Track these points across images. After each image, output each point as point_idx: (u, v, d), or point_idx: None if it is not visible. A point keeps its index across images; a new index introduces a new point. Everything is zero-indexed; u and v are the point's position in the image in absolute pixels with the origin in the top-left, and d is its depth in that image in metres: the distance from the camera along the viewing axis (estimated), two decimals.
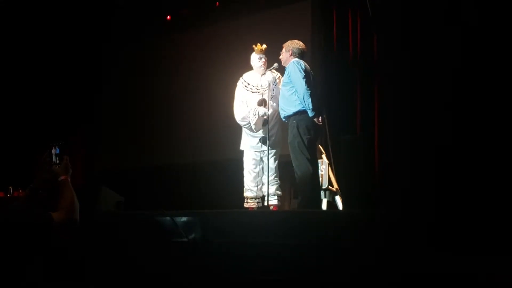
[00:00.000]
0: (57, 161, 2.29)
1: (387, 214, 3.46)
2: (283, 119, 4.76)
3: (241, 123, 5.04)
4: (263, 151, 4.91)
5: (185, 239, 3.87)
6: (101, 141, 7.58)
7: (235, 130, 5.32)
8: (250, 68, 5.26)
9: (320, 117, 4.58)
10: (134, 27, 7.53)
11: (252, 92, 5.05)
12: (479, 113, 3.57)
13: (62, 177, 2.20)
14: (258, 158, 4.98)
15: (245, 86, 5.09)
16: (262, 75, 5.08)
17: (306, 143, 4.46)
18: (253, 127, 4.96)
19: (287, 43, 4.82)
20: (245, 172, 5.07)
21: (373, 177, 4.53)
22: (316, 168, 4.54)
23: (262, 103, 4.96)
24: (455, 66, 3.74)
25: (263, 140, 4.89)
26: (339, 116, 5.76)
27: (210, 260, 3.68)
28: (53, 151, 2.31)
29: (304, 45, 4.82)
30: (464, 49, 3.72)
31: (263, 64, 5.05)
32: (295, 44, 4.78)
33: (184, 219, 3.92)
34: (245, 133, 5.09)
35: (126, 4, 7.25)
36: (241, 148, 5.11)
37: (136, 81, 7.58)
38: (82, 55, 7.68)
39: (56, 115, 7.49)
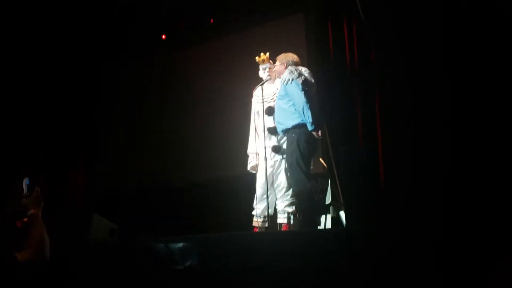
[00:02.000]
0: (28, 193, 2.10)
1: (391, 231, 3.30)
2: (280, 133, 4.61)
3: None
4: (276, 161, 4.75)
5: (181, 267, 3.70)
6: (97, 166, 7.42)
7: (236, 147, 5.17)
8: (248, 82, 5.21)
9: (320, 131, 4.42)
10: (130, 46, 7.43)
11: (261, 102, 4.93)
12: (482, 125, 3.43)
13: (32, 211, 2.02)
14: (269, 172, 4.77)
15: (255, 98, 5.04)
16: (270, 84, 4.97)
17: (304, 158, 4.31)
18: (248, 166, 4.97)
19: (280, 56, 4.74)
20: (256, 186, 4.89)
21: (377, 191, 4.37)
22: (312, 185, 4.38)
23: (269, 111, 4.82)
24: (456, 75, 3.61)
25: (275, 149, 4.73)
26: (339, 129, 5.59)
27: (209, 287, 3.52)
28: (24, 181, 2.13)
29: (298, 57, 4.73)
30: (465, 60, 3.60)
31: (269, 74, 4.94)
32: (290, 56, 4.69)
33: (179, 245, 3.76)
34: (259, 144, 4.95)
35: (121, 23, 7.14)
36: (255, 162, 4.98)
37: (133, 103, 7.45)
38: (78, 80, 7.55)
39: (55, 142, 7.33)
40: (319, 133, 4.44)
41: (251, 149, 5.01)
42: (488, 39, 3.55)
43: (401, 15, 3.85)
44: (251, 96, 5.13)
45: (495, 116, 3.45)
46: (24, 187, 2.14)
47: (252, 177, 4.94)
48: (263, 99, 4.88)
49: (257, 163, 4.93)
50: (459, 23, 3.65)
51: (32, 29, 6.55)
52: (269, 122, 4.79)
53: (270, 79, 4.93)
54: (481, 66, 3.53)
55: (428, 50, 3.78)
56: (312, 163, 4.64)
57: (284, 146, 4.71)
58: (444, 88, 3.66)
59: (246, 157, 5.09)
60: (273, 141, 4.81)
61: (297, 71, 4.50)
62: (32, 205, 2.05)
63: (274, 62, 4.81)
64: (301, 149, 4.34)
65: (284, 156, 4.66)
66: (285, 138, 4.68)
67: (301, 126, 4.40)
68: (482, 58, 3.52)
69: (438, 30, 3.71)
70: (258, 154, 4.94)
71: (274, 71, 4.78)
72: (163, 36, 7.52)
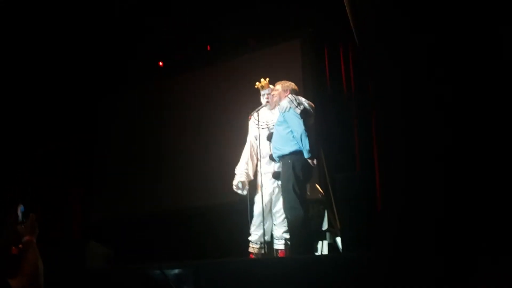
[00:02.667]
0: (23, 220, 2.10)
1: (388, 257, 3.28)
2: (276, 159, 4.60)
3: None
4: (275, 187, 4.73)
5: None
6: (93, 193, 7.41)
7: (231, 174, 5.15)
8: (244, 108, 5.20)
9: (315, 159, 4.42)
10: (127, 73, 7.50)
11: (262, 128, 4.91)
12: (479, 150, 3.45)
13: (26, 238, 2.01)
14: (268, 199, 4.75)
15: (256, 123, 4.96)
16: (270, 110, 4.94)
17: (299, 185, 4.30)
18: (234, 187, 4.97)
19: (283, 83, 4.74)
20: (253, 213, 4.85)
21: (374, 217, 4.37)
22: (307, 211, 4.36)
23: (270, 137, 4.78)
24: (452, 102, 3.64)
25: (276, 176, 4.70)
26: (336, 155, 5.61)
27: None
28: (19, 208, 2.12)
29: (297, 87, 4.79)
30: (460, 87, 3.64)
31: (267, 100, 4.91)
32: (293, 85, 4.73)
33: (175, 271, 3.73)
34: (258, 170, 4.91)
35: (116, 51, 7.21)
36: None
37: (129, 128, 7.48)
38: (74, 106, 7.59)
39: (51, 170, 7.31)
40: (314, 161, 4.44)
41: (240, 168, 5.00)
42: (486, 65, 3.58)
43: (397, 43, 3.90)
44: (248, 119, 5.10)
45: (491, 139, 3.46)
46: (19, 214, 2.13)
47: (245, 204, 4.91)
48: (258, 124, 4.88)
49: (244, 180, 4.91)
50: (455, 52, 3.70)
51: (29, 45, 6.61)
52: (270, 148, 4.79)
53: (268, 104, 4.92)
54: (478, 89, 3.55)
55: (423, 77, 3.81)
56: (308, 189, 4.64)
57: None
58: (440, 115, 3.68)
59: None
60: (271, 167, 4.80)
61: (297, 100, 4.52)
62: (27, 232, 2.04)
63: (273, 88, 4.82)
64: (297, 175, 4.33)
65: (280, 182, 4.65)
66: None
67: (298, 153, 4.40)
68: (478, 82, 3.54)
69: (434, 58, 3.76)
70: (248, 175, 4.94)
71: (273, 95, 4.78)
72: (160, 63, 7.61)
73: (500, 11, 3.42)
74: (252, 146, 5.05)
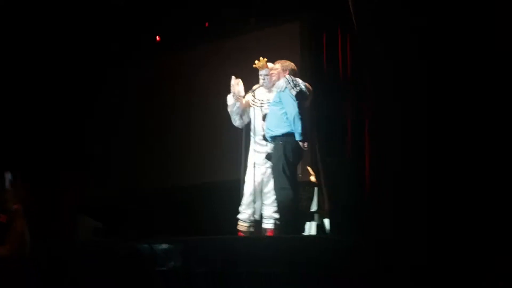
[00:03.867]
0: (11, 188, 2.10)
1: (375, 241, 3.33)
2: (268, 139, 4.59)
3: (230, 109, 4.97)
4: (267, 168, 4.72)
5: (164, 268, 3.70)
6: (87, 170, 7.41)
7: (224, 153, 5.17)
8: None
9: (306, 143, 4.43)
10: (120, 49, 7.42)
11: (257, 106, 4.88)
12: (471, 136, 3.49)
13: (15, 206, 2.01)
14: (260, 179, 4.77)
15: (252, 100, 4.92)
16: (267, 90, 4.88)
17: (290, 166, 4.32)
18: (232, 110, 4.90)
19: (283, 62, 4.69)
20: (244, 192, 4.87)
21: (362, 202, 4.42)
22: (296, 193, 4.39)
23: (264, 117, 4.77)
24: (444, 90, 3.67)
25: (269, 157, 4.69)
26: (329, 140, 5.63)
27: None
28: (6, 176, 2.12)
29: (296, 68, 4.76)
30: (453, 77, 3.66)
31: (264, 80, 4.83)
32: (292, 65, 4.69)
33: (163, 246, 3.76)
34: (252, 149, 4.91)
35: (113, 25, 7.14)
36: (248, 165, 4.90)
37: (123, 104, 7.45)
38: (67, 83, 7.52)
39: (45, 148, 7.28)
40: (305, 144, 4.45)
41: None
42: (480, 56, 3.60)
43: (394, 34, 3.90)
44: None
45: (483, 125, 3.49)
46: (7, 181, 2.14)
47: (238, 183, 4.93)
48: (254, 102, 4.86)
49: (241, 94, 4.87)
50: (449, 45, 3.71)
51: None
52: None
53: (265, 84, 4.85)
54: (469, 80, 3.58)
55: (417, 68, 3.83)
56: (300, 171, 4.66)
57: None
58: (432, 103, 3.70)
59: (232, 163, 5.08)
60: (264, 147, 4.79)
61: (294, 81, 4.49)
62: (15, 200, 2.05)
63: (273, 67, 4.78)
64: (287, 157, 4.35)
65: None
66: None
67: (290, 135, 4.41)
68: (470, 74, 3.57)
69: (429, 49, 3.77)
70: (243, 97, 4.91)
71: (272, 74, 4.74)
72: (158, 38, 7.54)
73: None
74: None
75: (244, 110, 4.95)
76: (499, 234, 3.18)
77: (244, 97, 4.94)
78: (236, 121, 4.99)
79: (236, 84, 4.88)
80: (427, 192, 3.41)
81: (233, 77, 4.87)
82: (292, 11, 6.36)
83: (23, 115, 6.80)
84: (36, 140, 6.86)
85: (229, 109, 4.97)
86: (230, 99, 4.93)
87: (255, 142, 4.85)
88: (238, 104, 4.90)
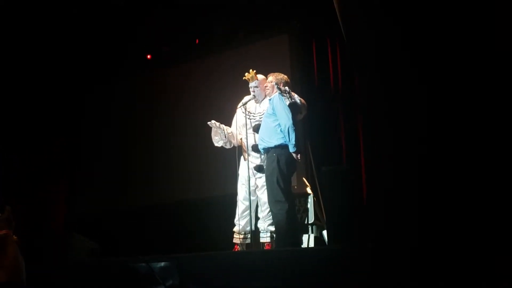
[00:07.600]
0: None
1: (373, 251, 3.30)
2: (261, 151, 4.58)
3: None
4: (258, 178, 4.69)
5: (162, 287, 3.66)
6: (78, 186, 7.37)
7: (220, 166, 5.15)
8: (232, 102, 5.15)
9: (299, 154, 4.42)
10: (113, 66, 7.45)
11: (249, 118, 4.84)
12: (464, 140, 3.48)
13: (4, 231, 1.97)
14: (253, 188, 4.72)
15: (243, 112, 4.87)
16: (257, 103, 4.86)
17: (284, 178, 4.30)
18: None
19: (277, 75, 4.67)
20: (238, 203, 4.83)
21: (360, 211, 4.39)
22: (292, 205, 4.36)
23: (257, 129, 4.73)
24: (436, 96, 3.67)
25: (258, 168, 4.68)
26: (323, 149, 5.63)
27: None
28: None
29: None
30: (446, 84, 3.66)
31: (254, 91, 4.81)
32: (286, 78, 4.68)
33: (161, 264, 3.72)
34: (242, 158, 4.87)
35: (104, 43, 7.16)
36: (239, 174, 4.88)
37: (116, 121, 7.45)
38: (60, 97, 7.53)
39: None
40: (299, 156, 4.44)
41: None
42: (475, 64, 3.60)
43: (384, 40, 3.90)
44: (235, 110, 5.03)
45: (482, 127, 3.48)
46: None
47: (233, 198, 4.90)
48: (246, 114, 4.84)
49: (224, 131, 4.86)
50: (442, 48, 3.71)
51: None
52: (255, 139, 4.76)
53: (256, 95, 4.84)
54: (465, 82, 3.57)
55: (409, 73, 3.83)
56: (295, 183, 4.63)
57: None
58: (425, 109, 3.70)
59: (228, 178, 5.05)
60: (255, 160, 4.79)
61: (288, 94, 4.50)
62: (4, 225, 2.01)
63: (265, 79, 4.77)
64: (281, 169, 4.32)
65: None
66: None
67: (283, 146, 4.39)
68: (466, 76, 3.56)
69: (420, 54, 3.77)
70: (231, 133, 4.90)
71: (266, 87, 4.73)
72: (148, 56, 7.57)
73: None
74: (236, 128, 4.97)
75: (232, 137, 4.95)
76: (499, 235, 3.17)
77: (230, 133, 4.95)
78: (227, 146, 5.00)
79: (218, 127, 4.88)
80: (425, 199, 3.39)
81: (212, 122, 4.87)
82: (279, 23, 6.40)
83: (7, 129, 6.78)
84: (20, 155, 6.84)
85: (217, 145, 4.99)
86: (218, 141, 4.94)
87: (248, 154, 4.84)
88: (226, 140, 4.91)
